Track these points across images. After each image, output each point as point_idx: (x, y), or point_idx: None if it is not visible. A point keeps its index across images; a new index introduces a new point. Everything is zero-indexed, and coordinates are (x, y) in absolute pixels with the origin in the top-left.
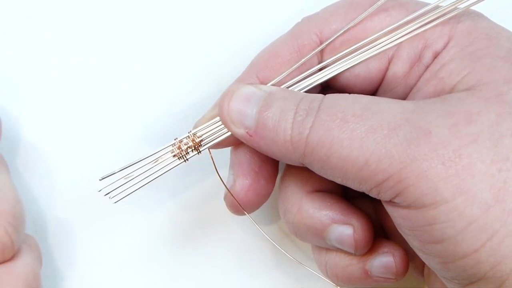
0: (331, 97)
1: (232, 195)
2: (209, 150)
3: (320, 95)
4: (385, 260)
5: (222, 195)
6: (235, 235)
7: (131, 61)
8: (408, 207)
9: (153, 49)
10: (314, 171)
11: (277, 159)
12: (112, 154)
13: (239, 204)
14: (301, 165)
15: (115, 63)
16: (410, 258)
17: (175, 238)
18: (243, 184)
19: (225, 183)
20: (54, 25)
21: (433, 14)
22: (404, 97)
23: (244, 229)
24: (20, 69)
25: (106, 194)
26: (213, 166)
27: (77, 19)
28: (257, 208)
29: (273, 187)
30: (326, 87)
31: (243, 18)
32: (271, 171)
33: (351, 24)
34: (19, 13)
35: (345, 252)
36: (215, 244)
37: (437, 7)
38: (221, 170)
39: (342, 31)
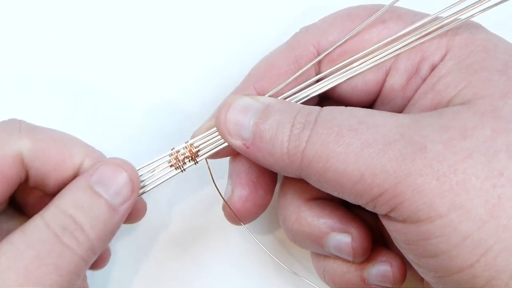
0: (328, 110)
1: (229, 206)
2: (206, 161)
3: (317, 108)
4: (382, 268)
5: (220, 204)
6: (233, 244)
7: (130, 65)
8: (403, 221)
9: (151, 55)
10: (311, 183)
11: (274, 171)
12: None
13: (235, 215)
14: (297, 177)
15: (113, 67)
16: (409, 266)
17: (172, 247)
18: (241, 195)
19: (222, 194)
20: (53, 24)
21: (431, 26)
22: (401, 109)
23: (242, 238)
24: (20, 69)
25: None
26: (210, 177)
27: (77, 20)
28: (255, 218)
29: (271, 198)
30: (324, 98)
31: (242, 26)
32: (269, 182)
33: (348, 35)
34: (20, 12)
35: (343, 260)
36: (212, 253)
37: (434, 19)
38: (218, 180)
39: (339, 42)
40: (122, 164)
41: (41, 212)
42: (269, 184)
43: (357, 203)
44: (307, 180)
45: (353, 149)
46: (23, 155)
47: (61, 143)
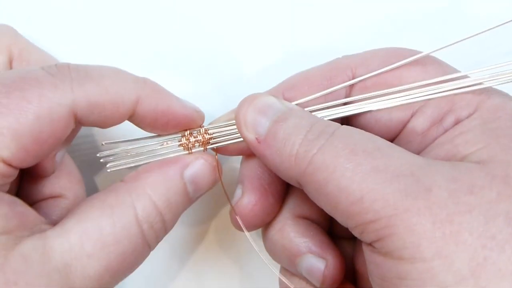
0: (347, 127)
1: (232, 205)
2: (216, 154)
3: (337, 124)
4: None
5: (226, 202)
6: (236, 241)
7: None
8: (385, 254)
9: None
10: (308, 193)
11: (277, 173)
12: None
13: (238, 220)
14: (297, 185)
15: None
16: None
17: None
18: (251, 199)
19: (226, 191)
20: (61, 25)
21: (466, 81)
22: (416, 154)
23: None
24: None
25: (103, 159)
26: (217, 171)
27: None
28: (261, 226)
29: (279, 208)
30: (346, 124)
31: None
32: (280, 191)
33: (387, 68)
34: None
35: (309, 283)
36: (214, 250)
37: (472, 80)
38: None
39: (376, 72)
40: (214, 165)
41: (132, 199)
42: (279, 193)
43: (345, 225)
44: (305, 189)
45: (361, 169)
46: (77, 112)
47: (114, 91)
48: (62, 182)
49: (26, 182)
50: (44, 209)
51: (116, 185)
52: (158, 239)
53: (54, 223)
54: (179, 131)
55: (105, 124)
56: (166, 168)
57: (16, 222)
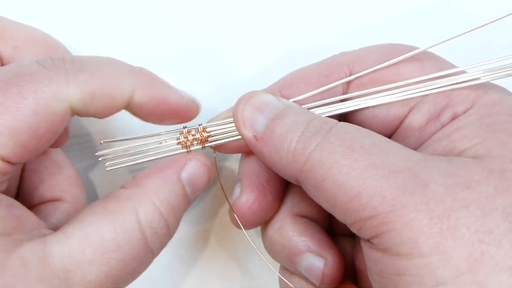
0: (344, 124)
1: (231, 206)
2: (214, 152)
3: (335, 120)
4: None
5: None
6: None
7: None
8: (383, 251)
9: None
10: (306, 190)
11: (275, 170)
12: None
13: (235, 216)
14: (295, 182)
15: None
16: None
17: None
18: (249, 197)
19: (224, 189)
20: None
21: (463, 76)
22: (414, 149)
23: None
24: None
25: (102, 158)
26: (215, 168)
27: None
28: (260, 224)
29: (278, 206)
30: (344, 121)
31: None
32: (278, 188)
33: (383, 65)
34: None
35: (309, 282)
36: (213, 248)
37: (469, 75)
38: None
39: (372, 69)
40: (208, 164)
41: (134, 205)
42: (278, 191)
43: (344, 221)
44: (303, 186)
45: (358, 165)
46: (73, 104)
47: (109, 82)
48: (62, 185)
49: (25, 185)
50: (44, 213)
51: (117, 191)
52: (162, 245)
53: (54, 226)
54: (177, 130)
55: (101, 114)
56: (164, 172)
57: (14, 225)
